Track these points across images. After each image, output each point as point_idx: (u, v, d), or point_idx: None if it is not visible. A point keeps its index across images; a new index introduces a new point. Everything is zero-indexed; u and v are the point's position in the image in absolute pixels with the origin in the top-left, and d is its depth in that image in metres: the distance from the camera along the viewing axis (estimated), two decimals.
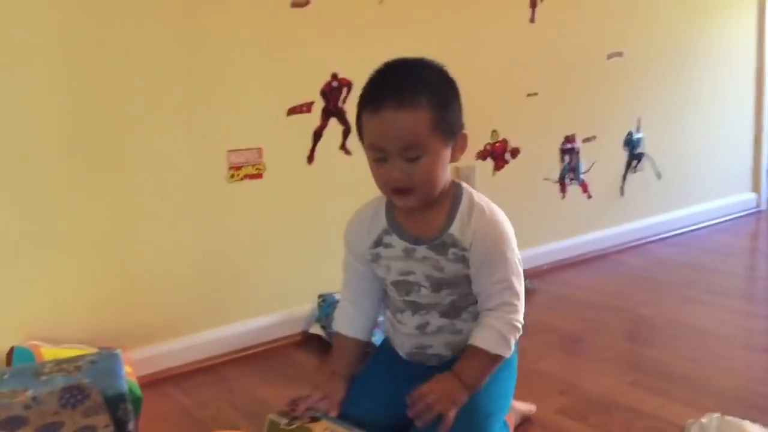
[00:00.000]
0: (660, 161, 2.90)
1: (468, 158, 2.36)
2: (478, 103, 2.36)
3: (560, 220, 2.66)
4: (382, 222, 1.29)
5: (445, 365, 1.28)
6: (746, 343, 1.89)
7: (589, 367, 1.76)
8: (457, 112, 1.22)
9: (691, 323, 2.01)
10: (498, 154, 2.45)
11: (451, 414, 1.19)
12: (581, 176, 2.69)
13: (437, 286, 1.26)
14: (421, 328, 1.30)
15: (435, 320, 1.29)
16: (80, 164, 1.66)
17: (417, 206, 1.23)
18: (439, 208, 1.25)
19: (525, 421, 1.45)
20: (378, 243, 1.29)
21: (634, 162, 2.84)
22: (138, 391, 1.40)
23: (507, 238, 1.25)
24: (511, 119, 2.47)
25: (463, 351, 1.26)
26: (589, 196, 2.73)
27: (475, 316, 1.28)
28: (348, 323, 1.37)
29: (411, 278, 1.27)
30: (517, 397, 1.52)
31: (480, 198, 1.28)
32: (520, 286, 1.25)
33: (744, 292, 2.38)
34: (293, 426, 1.23)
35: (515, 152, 2.48)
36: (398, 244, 1.27)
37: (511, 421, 1.38)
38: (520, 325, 1.24)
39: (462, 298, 1.28)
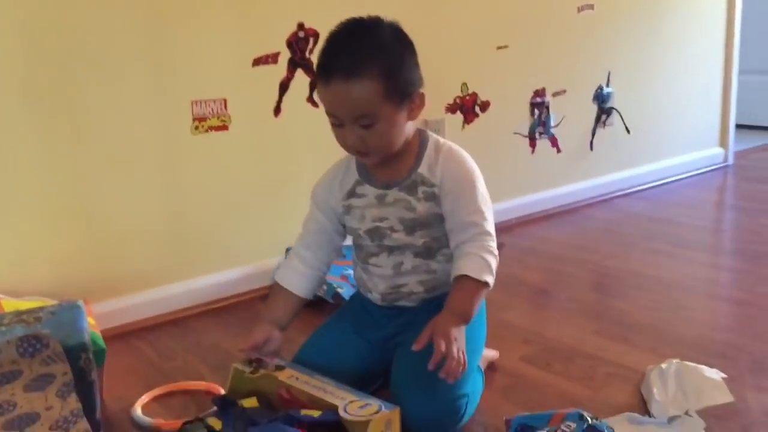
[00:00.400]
0: (629, 116, 2.90)
1: (437, 112, 2.35)
2: (448, 56, 2.35)
3: (530, 175, 2.66)
4: (354, 174, 1.33)
5: (418, 308, 1.32)
6: (709, 293, 1.92)
7: (554, 318, 1.79)
8: (411, 73, 1.22)
9: (655, 275, 2.04)
10: (468, 107, 2.43)
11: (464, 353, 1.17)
12: (551, 130, 2.69)
13: (410, 228, 1.29)
14: (396, 267, 1.32)
15: (409, 260, 1.31)
16: (41, 115, 1.62)
17: (379, 164, 1.27)
18: (407, 153, 1.29)
19: (488, 368, 1.47)
20: (351, 194, 1.33)
21: (604, 116, 2.85)
22: (101, 342, 1.39)
23: (474, 171, 1.28)
24: (481, 72, 2.45)
25: (436, 288, 1.31)
26: (559, 151, 2.73)
27: (449, 258, 1.30)
28: (291, 277, 1.37)
29: (384, 224, 1.30)
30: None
31: (445, 141, 1.32)
32: (491, 217, 1.27)
33: (709, 245, 2.41)
34: (258, 374, 1.24)
35: (485, 106, 2.47)
36: (370, 191, 1.31)
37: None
38: (496, 252, 1.25)
39: (435, 240, 1.30)
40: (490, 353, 1.48)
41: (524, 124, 2.62)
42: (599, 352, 1.56)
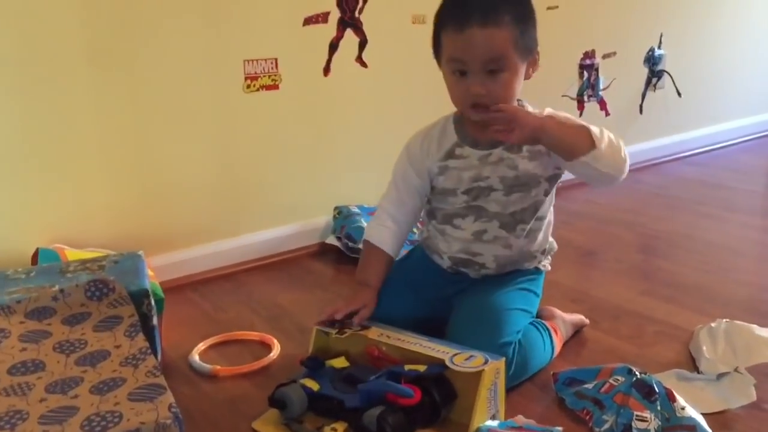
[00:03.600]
0: (680, 79, 2.85)
1: None
2: None
3: None
4: (453, 137, 1.34)
5: (480, 279, 1.35)
6: (759, 256, 1.90)
7: (602, 278, 1.79)
8: (534, 30, 1.24)
9: (704, 237, 2.02)
10: None
11: (517, 134, 1.17)
12: (600, 93, 2.66)
13: (510, 188, 1.29)
14: (478, 234, 1.33)
15: (493, 230, 1.32)
16: (100, 70, 1.66)
17: (485, 120, 1.25)
18: None
19: (575, 336, 1.46)
20: (449, 155, 1.33)
21: (655, 79, 2.80)
22: (160, 292, 1.44)
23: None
24: None
25: (506, 266, 1.34)
26: (608, 114, 2.70)
27: (529, 234, 1.33)
28: (386, 236, 1.38)
29: (483, 183, 1.30)
30: None
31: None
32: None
33: (760, 209, 2.37)
34: (345, 335, 1.24)
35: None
36: (472, 153, 1.31)
37: (559, 332, 1.40)
38: (625, 154, 1.24)
39: (523, 211, 1.31)
40: (576, 318, 1.49)
41: (573, 86, 2.59)
42: (647, 311, 1.56)
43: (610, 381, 1.19)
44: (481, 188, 1.31)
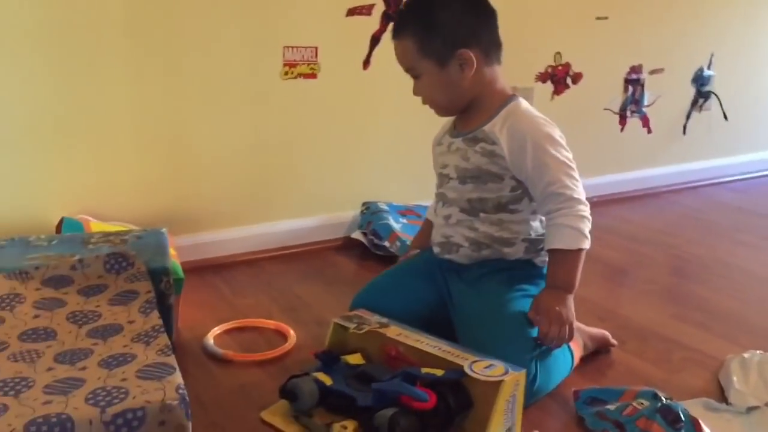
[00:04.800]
0: (728, 102, 2.77)
1: (527, 79, 2.30)
2: (542, 23, 2.28)
3: (616, 153, 2.58)
4: (449, 124, 1.42)
5: (468, 265, 1.34)
6: None
7: (631, 298, 1.74)
8: (447, 35, 1.27)
9: (739, 265, 1.95)
10: (559, 77, 2.36)
11: (571, 325, 1.23)
12: (643, 109, 2.59)
13: (462, 177, 1.32)
14: (447, 218, 1.37)
15: (456, 214, 1.35)
16: (137, 46, 1.65)
17: (448, 116, 1.38)
18: (484, 110, 1.32)
19: (597, 351, 1.41)
20: (438, 142, 1.42)
21: (701, 100, 2.73)
22: (180, 271, 1.42)
23: (547, 136, 1.26)
24: (577, 42, 2.37)
25: (482, 248, 1.32)
26: (650, 131, 2.64)
27: (493, 221, 1.31)
28: (432, 213, 1.48)
29: (445, 171, 1.37)
30: None
31: (527, 108, 1.32)
32: (575, 180, 1.25)
33: None
34: (363, 330, 1.21)
35: (577, 77, 2.40)
36: (446, 141, 1.38)
37: (578, 342, 1.36)
38: (587, 215, 1.25)
39: (480, 201, 1.32)
40: (598, 332, 1.43)
41: (616, 100, 2.53)
42: (676, 335, 1.51)
43: (634, 404, 1.14)
44: (443, 175, 1.37)
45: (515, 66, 2.26)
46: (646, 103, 2.58)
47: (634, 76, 2.53)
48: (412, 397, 1.04)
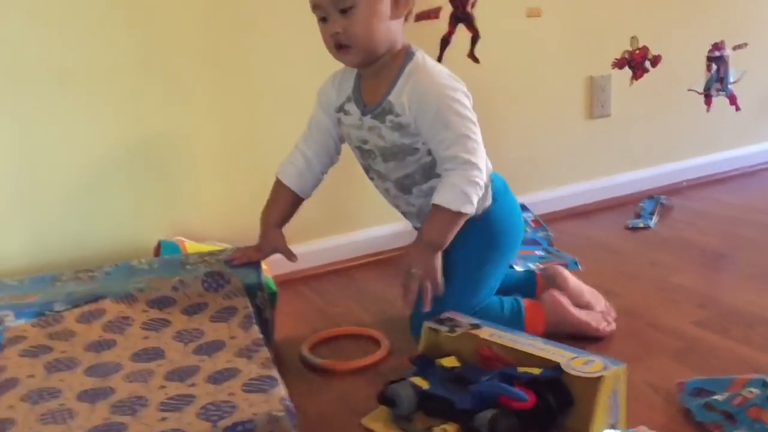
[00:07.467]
0: None
1: (603, 67, 2.24)
2: (614, 6, 2.22)
3: (704, 135, 2.48)
4: (349, 89, 1.36)
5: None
6: None
7: (733, 283, 1.67)
8: None
9: None
10: (637, 62, 2.30)
11: (431, 283, 1.27)
12: (729, 87, 2.49)
13: (384, 156, 1.33)
14: (386, 192, 1.41)
15: (392, 189, 1.38)
16: (218, 69, 1.72)
17: (360, 64, 1.30)
18: (387, 74, 1.29)
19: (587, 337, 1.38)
20: (340, 109, 1.37)
21: None
22: (273, 286, 1.47)
23: (445, 94, 1.24)
24: (653, 24, 2.30)
25: (426, 213, 1.33)
26: (738, 109, 2.53)
27: (426, 192, 1.31)
28: (296, 175, 1.42)
29: (366, 147, 1.35)
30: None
31: (427, 61, 1.29)
32: (474, 142, 1.24)
33: None
34: (456, 333, 1.22)
35: (656, 60, 2.32)
36: (355, 112, 1.34)
37: (541, 306, 1.38)
38: (480, 181, 1.25)
39: (407, 177, 1.32)
40: (588, 315, 1.40)
41: (700, 79, 2.44)
42: None
43: (743, 393, 1.10)
44: (366, 150, 1.35)
45: (589, 54, 2.22)
46: (731, 80, 2.48)
47: (716, 54, 2.43)
48: (511, 397, 1.04)
